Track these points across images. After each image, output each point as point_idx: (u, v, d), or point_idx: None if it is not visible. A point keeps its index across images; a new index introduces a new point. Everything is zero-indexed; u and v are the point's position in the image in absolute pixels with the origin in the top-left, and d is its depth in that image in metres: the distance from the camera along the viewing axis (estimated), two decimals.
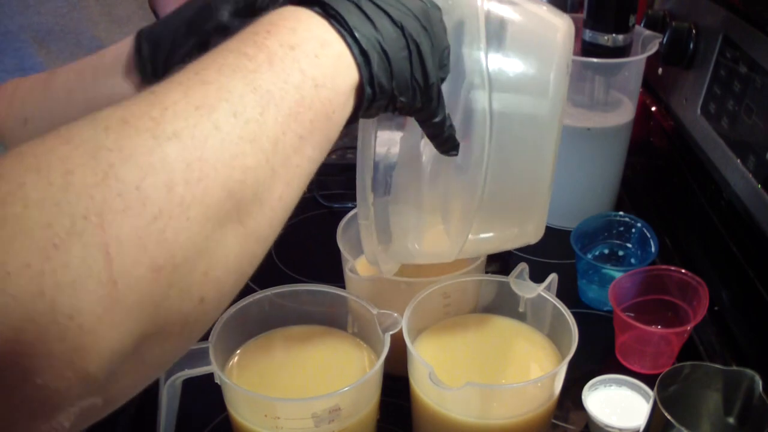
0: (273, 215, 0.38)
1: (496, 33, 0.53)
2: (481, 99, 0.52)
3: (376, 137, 0.56)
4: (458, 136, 0.51)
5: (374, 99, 0.44)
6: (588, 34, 0.91)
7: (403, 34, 0.44)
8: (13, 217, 0.28)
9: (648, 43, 0.92)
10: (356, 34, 0.42)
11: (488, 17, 0.52)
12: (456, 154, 0.53)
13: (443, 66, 0.48)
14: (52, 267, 0.28)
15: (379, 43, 0.43)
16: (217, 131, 0.34)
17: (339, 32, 0.41)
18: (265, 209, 0.37)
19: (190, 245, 0.32)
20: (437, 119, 0.49)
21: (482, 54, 0.51)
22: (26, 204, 0.28)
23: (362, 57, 0.42)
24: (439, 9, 0.48)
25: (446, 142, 0.51)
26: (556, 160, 0.57)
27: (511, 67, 0.53)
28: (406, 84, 0.45)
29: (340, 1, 0.43)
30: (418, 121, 0.50)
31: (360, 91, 0.43)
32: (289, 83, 0.38)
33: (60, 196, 0.29)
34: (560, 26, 0.55)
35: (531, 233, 0.62)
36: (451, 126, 0.51)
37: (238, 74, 0.36)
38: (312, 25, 0.41)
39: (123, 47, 0.56)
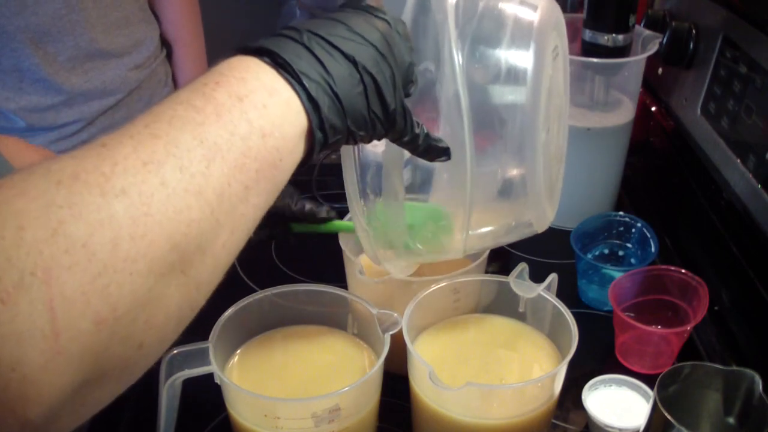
0: (216, 263, 0.38)
1: (470, 27, 0.52)
2: (454, 92, 0.51)
3: (359, 147, 0.55)
4: (441, 129, 0.50)
5: (326, 141, 0.44)
6: (588, 34, 0.91)
7: (357, 69, 0.44)
8: None
9: (648, 43, 0.92)
10: (304, 81, 0.42)
11: (459, 10, 0.51)
12: (446, 159, 0.52)
13: (409, 83, 0.48)
14: None
15: (330, 86, 0.43)
16: (164, 187, 0.34)
17: (287, 80, 0.42)
18: (208, 258, 0.37)
19: (133, 298, 0.33)
20: (406, 139, 0.49)
21: (454, 47, 0.51)
22: None
23: (310, 103, 0.42)
24: (402, 22, 0.48)
25: (427, 153, 0.51)
26: (554, 150, 0.56)
27: (486, 57, 0.52)
28: (363, 119, 0.45)
29: (289, 47, 0.43)
30: (390, 140, 0.50)
31: (311, 135, 0.43)
32: (235, 135, 0.38)
33: (11, 251, 0.29)
34: (539, 6, 0.54)
35: (536, 223, 0.61)
36: (428, 137, 0.50)
37: (187, 127, 0.37)
38: (260, 74, 0.41)
39: None
